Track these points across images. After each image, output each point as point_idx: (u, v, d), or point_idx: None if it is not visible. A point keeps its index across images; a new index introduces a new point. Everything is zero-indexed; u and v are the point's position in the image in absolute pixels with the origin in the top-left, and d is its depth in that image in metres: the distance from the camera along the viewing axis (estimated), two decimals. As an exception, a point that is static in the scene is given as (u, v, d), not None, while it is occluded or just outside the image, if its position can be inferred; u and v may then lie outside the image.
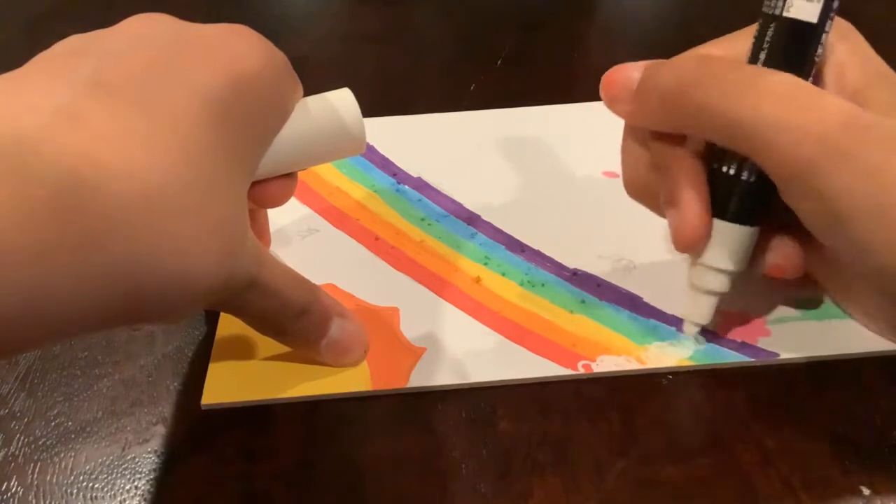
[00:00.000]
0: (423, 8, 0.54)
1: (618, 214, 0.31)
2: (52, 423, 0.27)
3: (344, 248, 0.33)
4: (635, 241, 0.32)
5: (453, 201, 0.36)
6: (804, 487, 0.24)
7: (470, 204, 0.35)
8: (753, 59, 0.25)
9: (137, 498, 0.24)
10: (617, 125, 0.29)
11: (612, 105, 0.27)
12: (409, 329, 0.29)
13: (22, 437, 0.26)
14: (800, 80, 0.23)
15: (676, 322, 0.29)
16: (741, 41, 0.26)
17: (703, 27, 0.52)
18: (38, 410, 0.27)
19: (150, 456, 0.26)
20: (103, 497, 0.24)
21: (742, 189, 0.25)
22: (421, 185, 0.37)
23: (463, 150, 0.39)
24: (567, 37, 0.50)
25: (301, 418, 0.27)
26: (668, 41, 0.51)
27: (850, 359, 0.28)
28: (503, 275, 0.31)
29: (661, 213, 0.27)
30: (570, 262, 0.32)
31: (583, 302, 0.30)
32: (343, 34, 0.52)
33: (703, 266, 0.26)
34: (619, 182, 0.29)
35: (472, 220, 0.34)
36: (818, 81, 0.25)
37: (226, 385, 0.27)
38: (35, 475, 0.25)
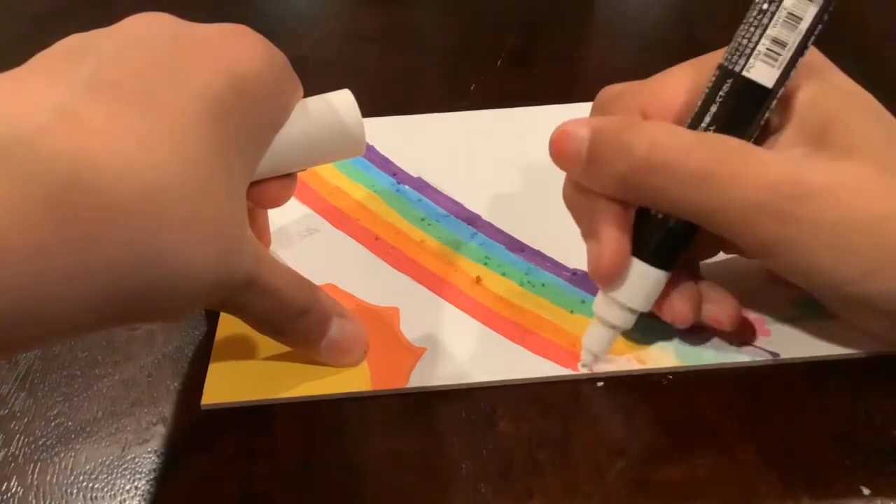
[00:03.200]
0: (423, 8, 0.54)
1: None
2: (52, 423, 0.27)
3: (344, 248, 0.33)
4: None
5: (453, 201, 0.36)
6: (804, 487, 0.24)
7: (470, 204, 0.35)
8: (703, 110, 0.25)
9: (137, 498, 0.24)
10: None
11: (563, 169, 0.26)
12: (409, 329, 0.29)
13: (22, 437, 0.26)
14: (752, 152, 0.23)
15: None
16: (701, 71, 0.26)
17: (703, 26, 0.52)
18: (38, 410, 0.27)
19: (150, 456, 0.26)
20: (103, 497, 0.24)
21: (666, 234, 0.25)
22: (421, 185, 0.37)
23: (463, 150, 0.39)
24: (567, 37, 0.50)
25: (301, 418, 0.27)
26: (668, 40, 0.51)
27: (850, 359, 0.28)
28: (503, 275, 0.31)
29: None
30: (570, 262, 0.32)
31: (583, 302, 0.30)
32: (343, 34, 0.52)
33: (611, 299, 0.26)
34: None
35: (472, 220, 0.34)
36: (781, 122, 0.25)
37: (226, 385, 0.27)
38: (35, 475, 0.25)
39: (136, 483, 0.25)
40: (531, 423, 0.26)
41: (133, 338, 0.30)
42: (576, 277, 0.31)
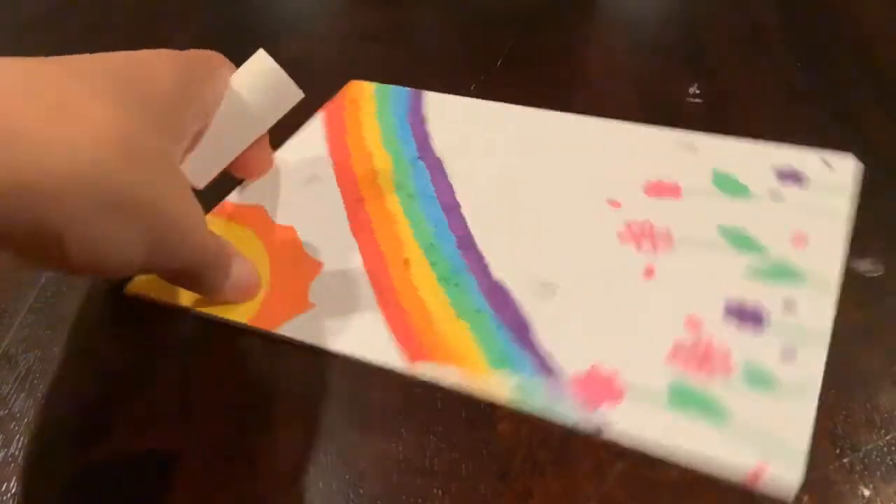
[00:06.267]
0: (423, 8, 0.54)
1: (591, 240, 0.32)
2: (53, 424, 0.27)
3: (325, 201, 0.35)
4: (576, 271, 0.31)
5: (448, 185, 0.36)
6: (804, 487, 0.24)
7: (461, 192, 0.36)
8: None
9: (137, 498, 0.24)
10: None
11: None
12: (319, 286, 0.31)
13: (22, 438, 0.26)
14: None
15: (545, 369, 0.27)
16: None
17: (703, 27, 0.52)
18: (38, 411, 0.27)
19: (150, 456, 0.25)
20: (103, 498, 0.24)
21: None
22: (434, 165, 0.37)
23: (501, 143, 0.39)
24: (567, 37, 0.50)
25: (301, 418, 0.27)
26: (668, 41, 0.51)
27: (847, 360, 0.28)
28: (432, 265, 0.32)
29: None
30: (499, 273, 0.31)
31: (477, 311, 0.29)
32: (343, 34, 0.52)
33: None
34: (614, 213, 0.33)
35: (449, 207, 0.35)
36: None
37: (148, 285, 0.31)
38: (35, 475, 0.25)
39: (135, 483, 0.25)
40: (531, 423, 0.26)
41: (135, 341, 0.30)
42: (495, 286, 0.30)
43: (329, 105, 0.42)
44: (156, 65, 0.26)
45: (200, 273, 0.28)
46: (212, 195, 0.34)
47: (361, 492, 0.24)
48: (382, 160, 0.37)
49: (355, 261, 0.32)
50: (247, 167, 0.33)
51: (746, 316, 0.29)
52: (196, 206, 0.25)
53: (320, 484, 0.25)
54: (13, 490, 0.25)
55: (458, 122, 0.41)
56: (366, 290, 0.31)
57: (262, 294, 0.30)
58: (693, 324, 0.29)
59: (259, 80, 0.30)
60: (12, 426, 0.26)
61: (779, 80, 0.45)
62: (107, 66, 0.24)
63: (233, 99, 0.30)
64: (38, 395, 0.28)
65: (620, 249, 0.32)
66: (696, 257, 0.31)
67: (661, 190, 0.35)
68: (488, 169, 0.37)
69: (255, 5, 0.56)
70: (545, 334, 0.29)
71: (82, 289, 0.31)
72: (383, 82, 0.46)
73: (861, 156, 0.36)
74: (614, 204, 0.34)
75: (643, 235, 0.33)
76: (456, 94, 0.44)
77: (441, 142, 0.39)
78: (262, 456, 0.25)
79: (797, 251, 0.31)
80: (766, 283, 0.30)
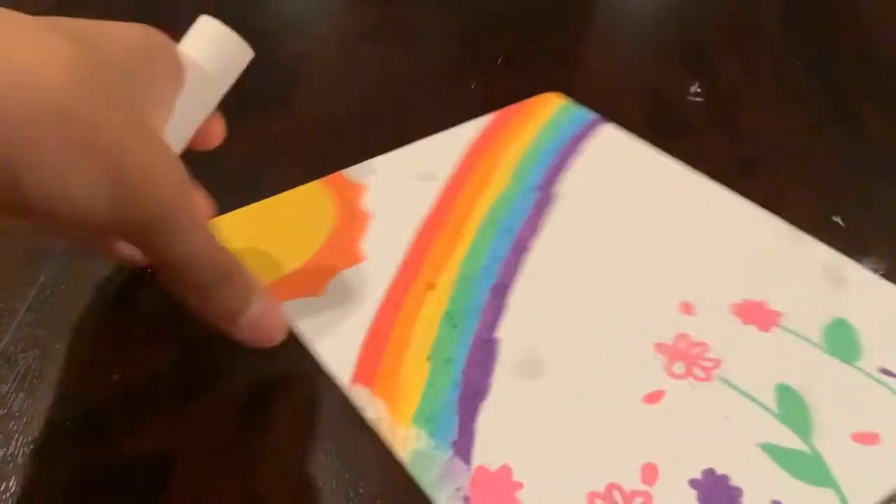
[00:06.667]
0: (422, 7, 0.54)
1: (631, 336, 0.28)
2: (52, 424, 0.27)
3: (414, 197, 0.35)
4: (576, 364, 0.27)
5: (538, 226, 0.33)
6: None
7: (545, 237, 0.33)
8: None
9: (137, 499, 0.24)
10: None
11: None
12: (343, 277, 0.31)
13: (21, 437, 0.26)
14: None
15: (460, 446, 0.25)
16: None
17: (703, 27, 0.52)
18: (38, 410, 0.27)
19: (149, 456, 0.25)
20: (103, 498, 0.24)
21: None
22: (544, 201, 0.35)
23: (630, 198, 0.35)
24: (567, 37, 0.50)
25: (301, 418, 0.27)
26: (668, 41, 0.51)
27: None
28: (451, 297, 0.30)
29: None
30: (504, 331, 0.29)
31: (448, 360, 0.28)
32: (343, 33, 0.52)
33: None
34: (677, 318, 0.29)
35: (519, 247, 0.32)
36: None
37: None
38: (34, 475, 0.25)
39: (135, 484, 0.25)
40: (532, 423, 0.26)
41: (134, 341, 0.30)
42: (484, 343, 0.28)
43: (507, 109, 0.41)
44: (115, 30, 0.24)
45: (202, 276, 0.24)
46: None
47: (361, 492, 0.24)
48: (500, 181, 0.36)
49: (390, 268, 0.31)
50: (204, 138, 0.29)
51: (714, 499, 0.23)
52: (172, 156, 0.23)
53: (320, 484, 0.25)
54: (13, 490, 0.24)
55: (610, 162, 0.37)
56: (372, 302, 0.30)
57: (296, 264, 0.31)
58: (648, 475, 0.24)
59: (209, 43, 0.28)
60: (11, 426, 0.26)
61: (779, 79, 0.45)
62: (63, 23, 0.22)
63: (189, 66, 0.27)
64: (38, 394, 0.27)
65: (646, 360, 0.27)
66: (724, 404, 0.26)
67: (752, 314, 0.29)
68: (594, 223, 0.34)
69: (255, 5, 0.56)
70: (492, 410, 0.26)
71: (82, 288, 0.31)
72: (383, 82, 0.46)
73: (861, 155, 0.36)
74: (686, 308, 0.29)
75: (684, 356, 0.27)
76: (456, 93, 0.44)
77: (573, 178, 0.36)
78: (262, 456, 0.25)
79: (853, 446, 0.24)
80: (778, 469, 0.24)
